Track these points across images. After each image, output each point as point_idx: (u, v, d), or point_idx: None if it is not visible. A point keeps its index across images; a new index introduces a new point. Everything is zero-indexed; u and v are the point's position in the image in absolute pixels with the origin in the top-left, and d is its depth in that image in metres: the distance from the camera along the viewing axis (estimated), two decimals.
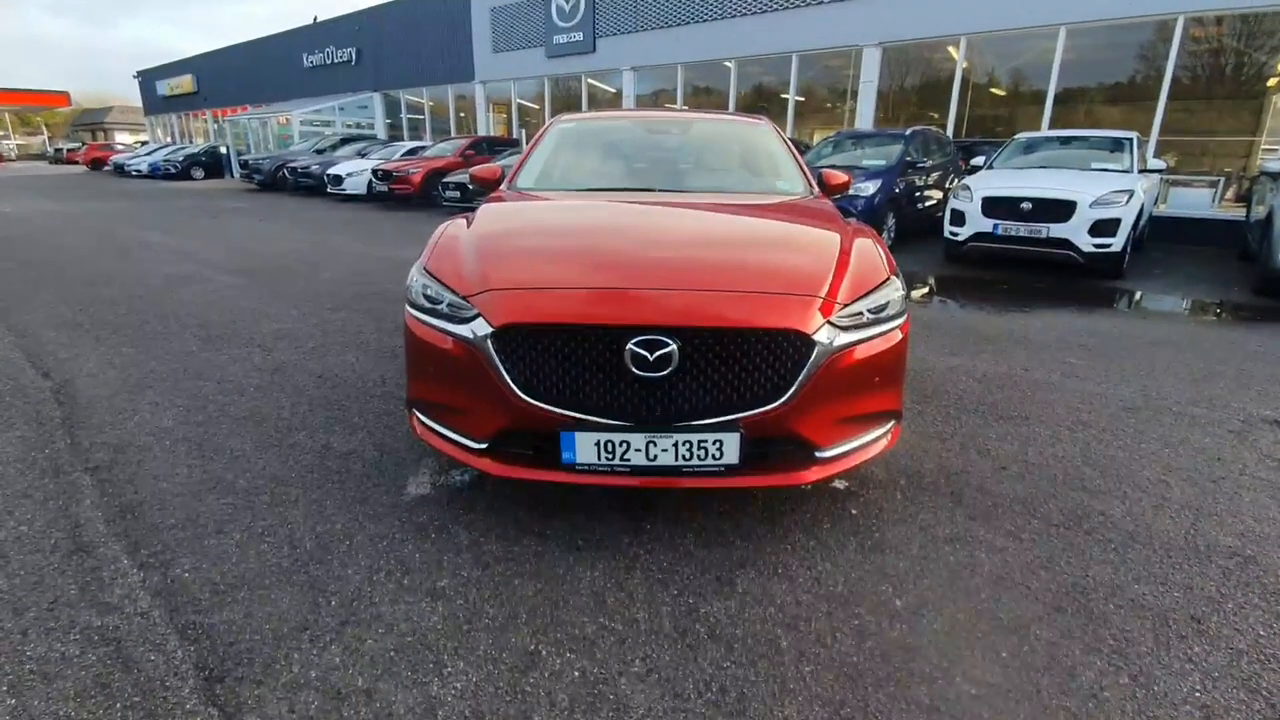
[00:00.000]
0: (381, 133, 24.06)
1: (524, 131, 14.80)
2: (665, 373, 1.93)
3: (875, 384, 2.20)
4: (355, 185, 16.28)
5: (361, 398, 3.46)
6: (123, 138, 51.79)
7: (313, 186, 17.62)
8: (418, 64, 21.81)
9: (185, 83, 34.53)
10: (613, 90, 17.08)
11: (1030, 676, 1.64)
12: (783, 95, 14.22)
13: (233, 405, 3.35)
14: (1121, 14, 9.87)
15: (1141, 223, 7.83)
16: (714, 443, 1.99)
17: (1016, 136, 8.79)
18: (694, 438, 1.98)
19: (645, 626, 1.80)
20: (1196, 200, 9.85)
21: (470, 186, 12.45)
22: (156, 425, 3.09)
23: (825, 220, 2.77)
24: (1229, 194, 10.04)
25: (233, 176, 25.43)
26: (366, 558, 2.11)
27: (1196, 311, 6.01)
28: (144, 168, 26.65)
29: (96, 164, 34.63)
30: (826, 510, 2.39)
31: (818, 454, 2.11)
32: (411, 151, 17.16)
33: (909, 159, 9.36)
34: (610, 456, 2.01)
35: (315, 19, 26.55)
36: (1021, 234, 7.17)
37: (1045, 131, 9.30)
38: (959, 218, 7.68)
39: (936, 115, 12.21)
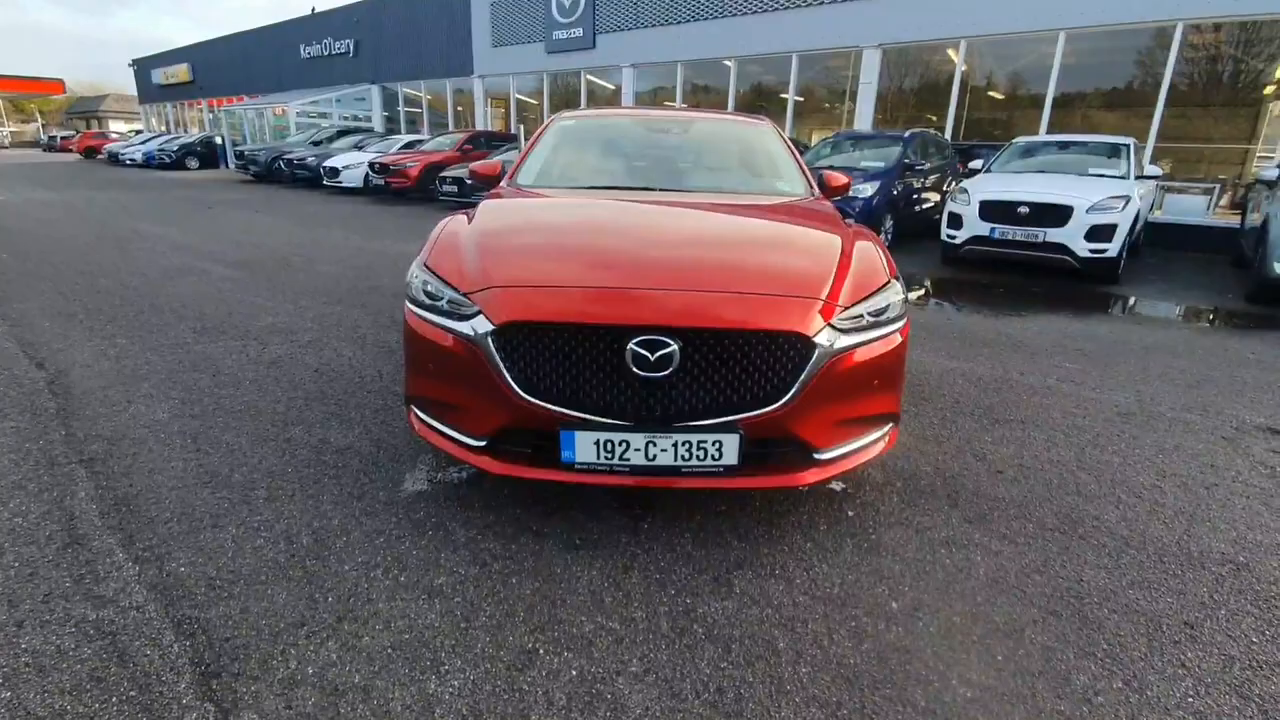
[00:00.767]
0: (379, 126, 23.96)
1: (522, 127, 14.77)
2: (666, 373, 1.93)
3: (874, 387, 2.21)
4: (351, 178, 16.21)
5: (358, 392, 3.45)
6: (117, 126, 51.39)
7: (308, 179, 17.54)
8: (416, 57, 21.72)
9: (181, 72, 34.31)
10: (612, 87, 17.05)
11: (1025, 680, 1.65)
12: (782, 95, 14.22)
13: (229, 398, 3.33)
14: (1121, 19, 9.91)
15: (1137, 228, 7.86)
16: (714, 443, 1.99)
17: (1015, 140, 8.82)
18: (694, 438, 1.98)
19: (643, 626, 1.80)
20: (1191, 207, 9.90)
21: (469, 182, 12.42)
22: (152, 418, 3.07)
23: (826, 222, 2.77)
24: (1224, 201, 10.11)
25: (228, 167, 25.26)
26: (363, 554, 2.10)
27: (1190, 318, 6.05)
28: (138, 157, 26.48)
29: (90, 152, 34.37)
30: (824, 511, 2.40)
31: (816, 456, 2.12)
32: (409, 145, 17.09)
33: (907, 161, 9.38)
34: (610, 456, 2.01)
35: (313, 10, 26.40)
36: (1018, 238, 7.20)
37: (1043, 136, 9.33)
38: (956, 221, 7.70)
39: (935, 118, 12.24)
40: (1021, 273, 7.55)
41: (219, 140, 27.00)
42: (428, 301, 2.25)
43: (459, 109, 21.68)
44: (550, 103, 18.51)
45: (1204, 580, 2.07)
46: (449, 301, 2.18)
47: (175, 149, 26.14)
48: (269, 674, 1.61)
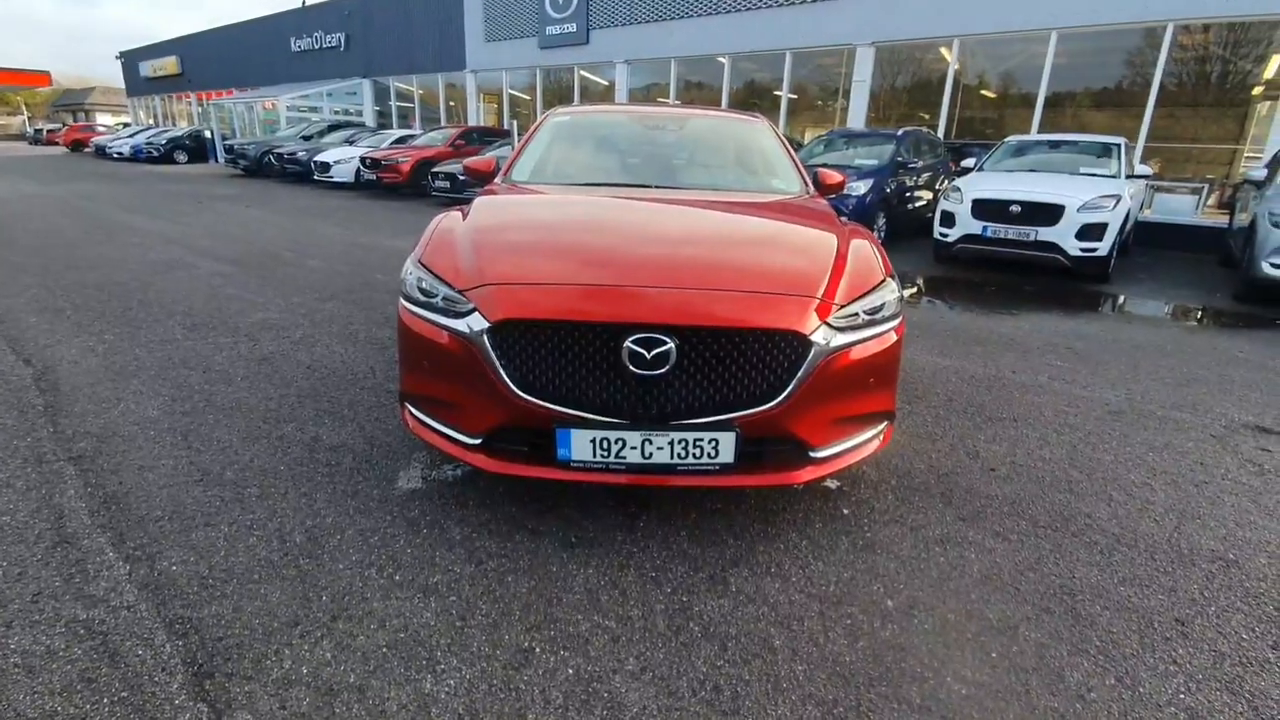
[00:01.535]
0: (370, 120, 23.79)
1: (515, 123, 14.71)
2: (662, 371, 1.93)
3: (870, 385, 2.21)
4: (343, 173, 16.10)
5: (351, 389, 3.42)
6: (104, 119, 50.79)
7: (299, 173, 17.41)
8: (408, 51, 21.57)
9: (169, 64, 33.93)
10: (605, 83, 16.99)
11: (1019, 677, 1.66)
12: (775, 92, 14.22)
13: (219, 395, 3.30)
14: (1112, 20, 9.97)
15: (1128, 227, 7.92)
16: (710, 441, 1.99)
17: (1007, 139, 8.86)
18: (690, 436, 1.98)
19: (639, 625, 1.80)
20: (1180, 206, 9.98)
21: (463, 178, 12.36)
22: (141, 414, 3.04)
23: (822, 220, 2.78)
24: (1211, 201, 10.19)
25: (217, 161, 25.03)
26: (357, 552, 2.09)
27: (1179, 316, 6.10)
28: (126, 150, 26.16)
29: (77, 145, 33.97)
30: (819, 509, 2.40)
31: (812, 454, 2.12)
32: (400, 140, 16.98)
33: (900, 159, 9.41)
34: (606, 454, 2.00)
35: (304, 3, 26.15)
36: (1010, 236, 7.24)
37: (1035, 135, 9.38)
38: (949, 219, 7.73)
39: (928, 116, 12.28)
40: (1013, 271, 7.59)
41: (208, 134, 26.74)
42: (422, 299, 2.23)
43: (451, 104, 21.56)
44: (543, 98, 18.44)
45: (1194, 577, 2.09)
46: (444, 299, 2.16)
47: (164, 143, 25.85)
48: (263, 674, 1.60)
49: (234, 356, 3.88)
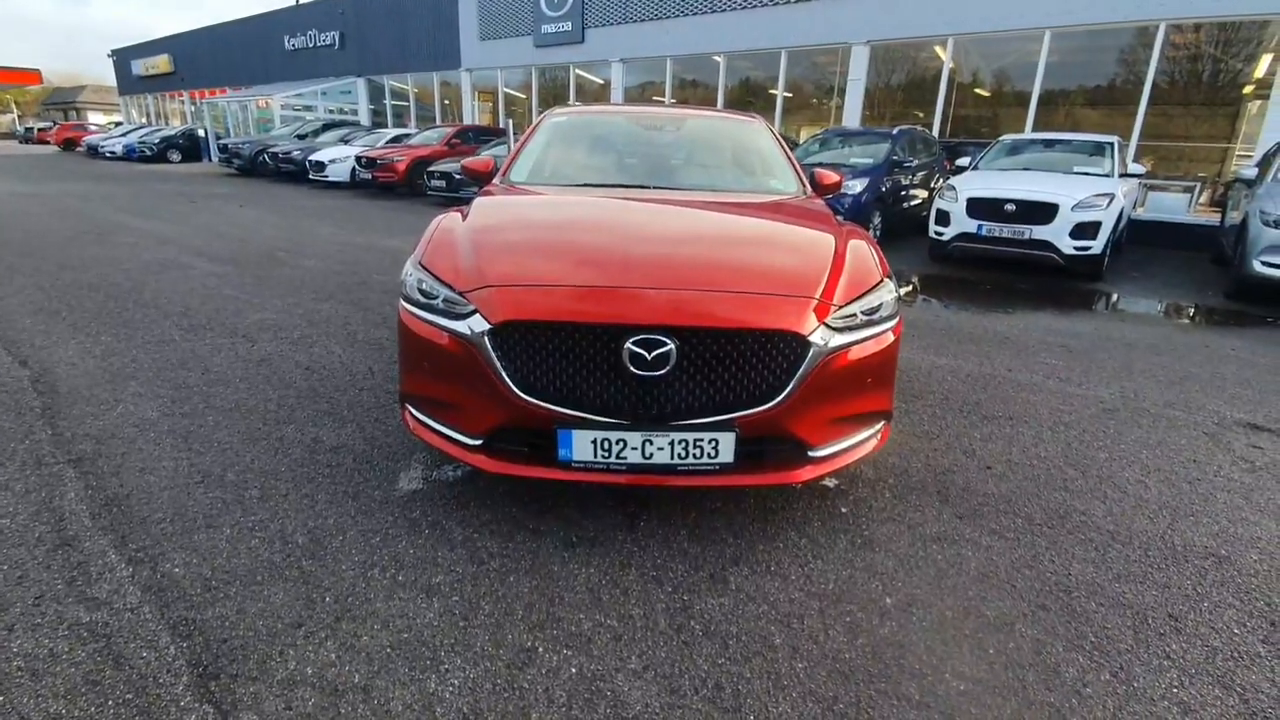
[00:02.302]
0: (365, 119, 23.72)
1: (510, 122, 14.69)
2: (662, 372, 1.94)
3: (868, 385, 2.23)
4: (338, 172, 16.05)
5: (350, 390, 3.43)
6: (96, 118, 50.46)
7: (294, 172, 17.34)
8: (402, 50, 21.51)
9: (161, 63, 33.73)
10: (600, 81, 16.98)
11: (1016, 673, 1.68)
12: (771, 90, 14.24)
13: (218, 396, 3.30)
14: (1105, 19, 10.02)
15: (1121, 226, 7.97)
16: (709, 441, 2.01)
17: (1001, 138, 8.90)
18: (690, 436, 2.00)
19: (641, 624, 1.82)
20: (1173, 205, 10.05)
21: (459, 177, 12.35)
22: (140, 416, 3.04)
23: (819, 221, 2.79)
24: (1204, 199, 10.26)
25: (211, 160, 24.91)
26: (360, 553, 2.10)
27: (1172, 314, 6.15)
28: (118, 149, 26.01)
29: (69, 145, 33.72)
30: (817, 508, 2.43)
31: (810, 453, 2.14)
32: (396, 139, 16.94)
33: (896, 158, 9.44)
34: (607, 454, 2.02)
35: (297, 1, 26.04)
36: (1005, 235, 7.28)
37: (1030, 134, 9.42)
38: (944, 218, 7.77)
39: (922, 114, 12.31)
40: (1008, 269, 7.63)
41: (202, 133, 26.62)
42: (423, 300, 2.24)
43: (446, 102, 21.51)
44: (538, 97, 18.42)
45: (1188, 573, 2.12)
46: (444, 300, 2.17)
47: (157, 142, 25.72)
48: (268, 675, 1.61)
49: (232, 358, 3.88)
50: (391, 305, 4.31)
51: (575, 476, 2.05)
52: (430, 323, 2.18)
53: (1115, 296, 6.73)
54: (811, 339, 2.03)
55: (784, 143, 3.79)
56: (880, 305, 2.29)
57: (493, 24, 18.46)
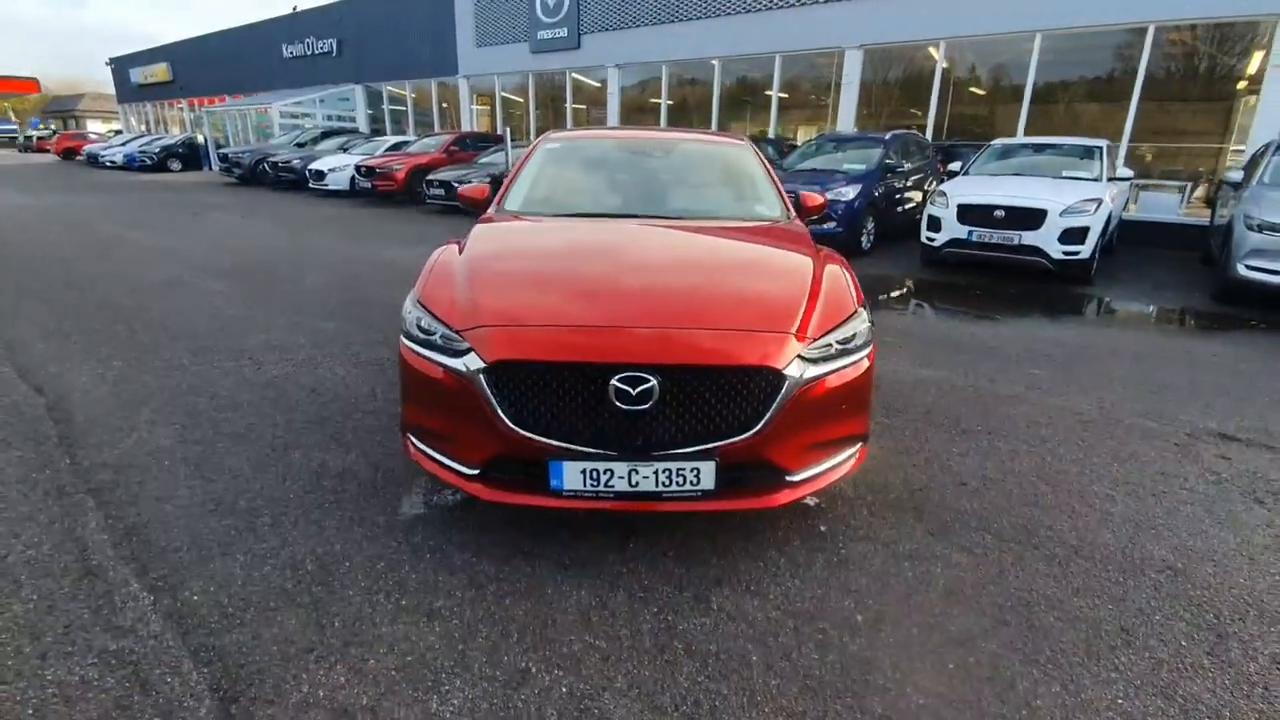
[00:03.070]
0: (364, 125, 23.87)
1: (508, 129, 14.80)
2: (646, 406, 2.08)
3: (843, 411, 2.37)
4: (338, 181, 16.20)
5: (354, 413, 3.57)
6: (95, 126, 50.69)
7: (294, 181, 17.50)
8: (400, 56, 21.63)
9: (160, 71, 33.87)
10: (597, 84, 17.09)
11: (973, 687, 1.82)
12: (766, 93, 14.35)
13: (227, 422, 3.45)
14: (1095, 22, 10.11)
15: (1110, 228, 8.09)
16: (691, 470, 2.15)
17: (992, 143, 9.01)
18: (673, 465, 2.14)
19: (628, 644, 1.96)
20: (1165, 204, 10.16)
21: (457, 185, 12.47)
22: (155, 444, 3.18)
23: (799, 249, 2.92)
24: (1200, 193, 10.35)
25: (211, 169, 25.08)
26: (366, 579, 2.24)
27: (1158, 320, 6.27)
28: (119, 159, 26.25)
29: (69, 154, 33.95)
30: (798, 527, 2.56)
31: (788, 478, 2.28)
32: (395, 147, 17.09)
33: (888, 163, 9.56)
34: (595, 483, 2.15)
35: (295, 9, 26.16)
36: (995, 241, 7.41)
37: (1020, 139, 9.53)
38: (936, 224, 7.90)
39: (918, 114, 12.42)
40: (998, 274, 7.75)
41: (201, 141, 26.80)
42: (422, 337, 2.38)
43: (444, 105, 21.63)
44: (535, 100, 18.54)
45: (1143, 586, 2.25)
46: (441, 337, 2.31)
47: (157, 150, 25.94)
48: (283, 698, 1.75)
49: (240, 381, 4.02)
50: (392, 323, 4.43)
51: (566, 504, 2.19)
52: (429, 359, 2.32)
53: (1102, 301, 6.86)
54: (787, 372, 2.16)
55: (769, 165, 3.92)
56: (854, 334, 2.42)
57: (489, 30, 18.58)
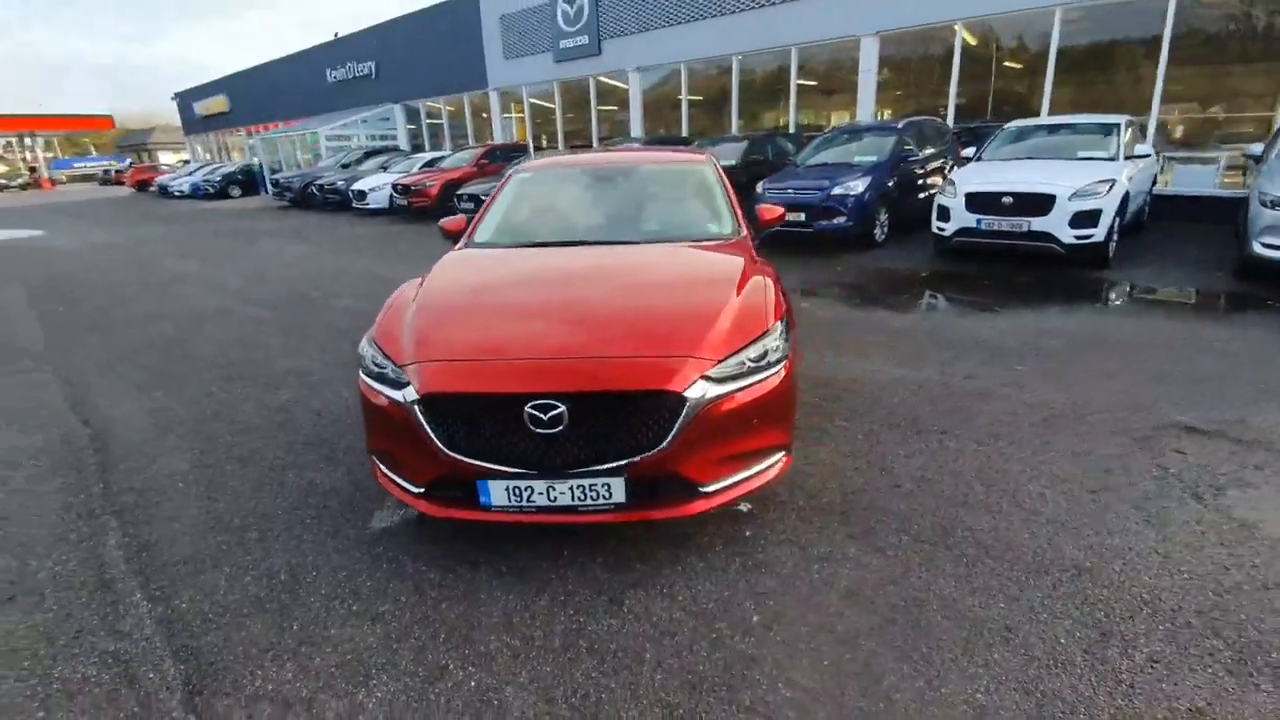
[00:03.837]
0: (403, 143, 24.81)
1: (544, 138, 15.08)
2: (557, 430, 2.31)
3: (754, 425, 2.53)
4: (378, 199, 16.97)
5: (348, 435, 3.92)
6: (166, 158, 54.21)
7: (339, 202, 18.41)
8: (433, 74, 22.42)
9: (219, 102, 36.00)
10: (622, 85, 17.32)
11: (841, 681, 1.98)
12: (785, 86, 14.27)
13: (239, 446, 3.85)
14: None
15: (1132, 208, 7.82)
16: (603, 485, 2.37)
17: (1007, 126, 8.80)
18: (585, 482, 2.36)
19: (539, 643, 2.19)
20: (1200, 177, 9.67)
21: (485, 198, 12.95)
22: (174, 468, 3.60)
23: (728, 268, 3.08)
24: (1230, 167, 9.78)
25: (266, 193, 26.52)
26: (328, 586, 2.55)
27: (1171, 303, 6.07)
28: (186, 188, 28.05)
29: (142, 185, 36.40)
30: (724, 533, 2.74)
31: (701, 489, 2.46)
32: (430, 163, 17.76)
33: (903, 152, 9.45)
34: (519, 499, 2.40)
35: (336, 34, 27.39)
36: (1004, 228, 7.29)
37: (1035, 120, 9.23)
38: (944, 213, 7.81)
39: (938, 100, 12.15)
40: (1011, 262, 7.61)
41: (258, 166, 28.39)
42: (374, 371, 2.67)
43: (484, 115, 22.24)
44: (563, 106, 18.92)
45: (1041, 586, 2.34)
46: (390, 371, 2.59)
47: (219, 179, 27.61)
48: (239, 691, 2.06)
49: (258, 407, 4.45)
50: None
51: (495, 518, 2.45)
52: (379, 391, 2.61)
53: (1116, 285, 6.67)
54: (688, 394, 2.35)
55: (727, 183, 4.07)
56: (766, 352, 2.58)
57: (515, 43, 19.07)
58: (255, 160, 28.28)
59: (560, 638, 2.22)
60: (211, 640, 2.29)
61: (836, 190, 8.74)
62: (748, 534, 2.73)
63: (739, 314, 2.68)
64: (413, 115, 24.72)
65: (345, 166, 20.90)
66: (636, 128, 16.74)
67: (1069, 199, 6.88)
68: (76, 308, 7.92)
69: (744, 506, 2.91)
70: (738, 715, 1.88)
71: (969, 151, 8.71)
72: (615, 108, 18.19)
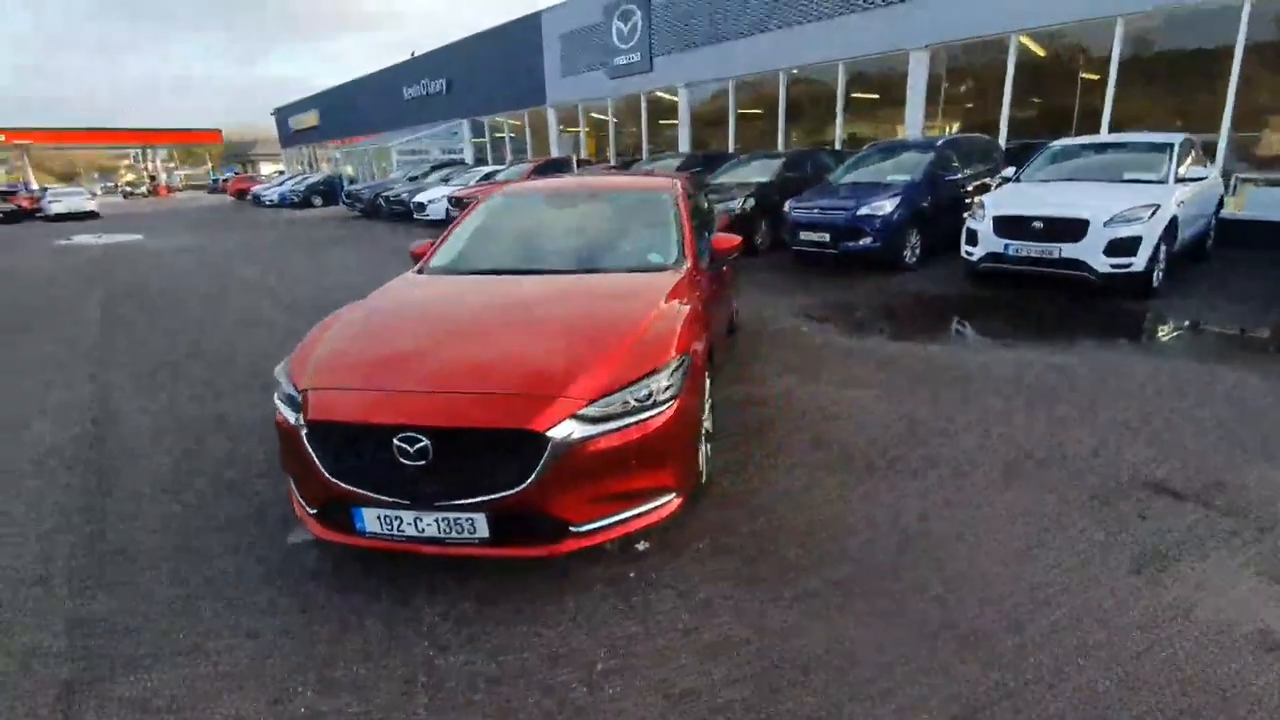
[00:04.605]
0: (469, 157, 25.80)
1: (574, 156, 15.39)
2: (423, 462, 2.37)
3: (632, 467, 2.51)
4: (436, 211, 17.71)
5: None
6: (266, 168, 58.51)
7: (403, 213, 19.34)
8: (498, 90, 23.26)
9: (310, 118, 38.53)
10: (675, 99, 17.40)
11: None
12: (832, 101, 13.95)
13: (225, 458, 4.03)
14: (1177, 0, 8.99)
15: (1188, 234, 7.21)
16: (467, 520, 2.40)
17: (1050, 145, 8.29)
18: (450, 515, 2.40)
19: (384, 674, 2.23)
20: (1275, 201, 8.77)
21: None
22: (156, 470, 3.85)
23: (640, 302, 3.06)
24: None
25: (342, 204, 28.15)
26: (231, 597, 2.68)
27: (1204, 345, 5.55)
28: (274, 198, 30.13)
29: (241, 194, 39.36)
30: (610, 574, 2.70)
31: (573, 529, 2.46)
32: (486, 176, 18.40)
33: (939, 170, 9.07)
34: (389, 527, 2.47)
35: (413, 54, 28.83)
36: (1033, 254, 6.88)
37: (1080, 139, 8.62)
38: (973, 237, 7.46)
39: (990, 115, 11.58)
40: (1044, 289, 7.16)
41: (341, 177, 30.16)
42: (284, 393, 2.80)
43: (560, 126, 22.78)
44: (615, 120, 19.20)
45: (919, 658, 2.19)
46: (295, 393, 2.72)
47: (303, 189, 29.50)
48: (112, 691, 2.20)
49: (253, 416, 4.64)
50: None
51: (368, 543, 2.54)
52: (283, 412, 2.74)
53: (1150, 321, 6.15)
54: (551, 434, 2.35)
55: (684, 212, 4.02)
56: (651, 392, 2.55)
57: (572, 61, 19.53)
58: (339, 172, 30.08)
59: (405, 670, 2.25)
60: (114, 643, 2.42)
61: (863, 210, 8.47)
62: (631, 575, 2.69)
63: (631, 350, 2.67)
64: (478, 131, 25.66)
65: (413, 179, 21.93)
66: (685, 143, 16.76)
67: (1104, 224, 6.42)
68: (142, 310, 8.59)
69: (641, 545, 2.86)
70: None
71: (1009, 171, 8.22)
72: (674, 121, 18.29)
